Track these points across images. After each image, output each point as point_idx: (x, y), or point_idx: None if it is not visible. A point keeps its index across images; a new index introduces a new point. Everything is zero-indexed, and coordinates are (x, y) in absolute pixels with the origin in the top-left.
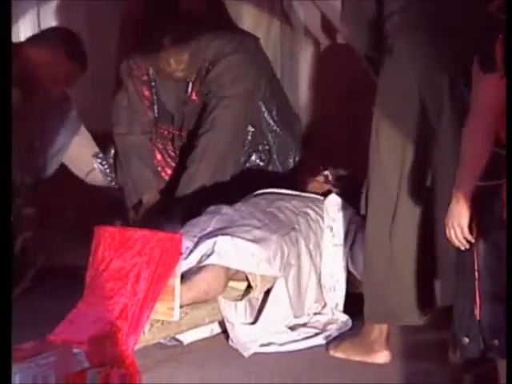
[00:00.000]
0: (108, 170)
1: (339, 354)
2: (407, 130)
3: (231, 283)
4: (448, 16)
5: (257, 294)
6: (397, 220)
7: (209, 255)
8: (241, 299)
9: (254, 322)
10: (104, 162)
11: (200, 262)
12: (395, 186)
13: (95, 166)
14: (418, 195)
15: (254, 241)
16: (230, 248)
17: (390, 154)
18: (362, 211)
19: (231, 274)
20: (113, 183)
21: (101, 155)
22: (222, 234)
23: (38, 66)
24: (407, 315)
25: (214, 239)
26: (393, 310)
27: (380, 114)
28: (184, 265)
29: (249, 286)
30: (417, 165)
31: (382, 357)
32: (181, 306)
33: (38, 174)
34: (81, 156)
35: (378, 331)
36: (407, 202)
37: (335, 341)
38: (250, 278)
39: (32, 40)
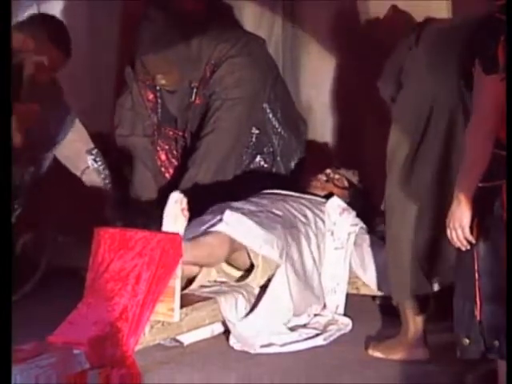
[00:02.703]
0: (102, 168)
1: (378, 354)
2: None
3: (230, 270)
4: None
5: (258, 277)
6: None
7: (216, 223)
8: (242, 281)
9: (252, 310)
10: (98, 159)
11: (206, 229)
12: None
13: (89, 163)
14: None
15: (259, 224)
16: (237, 221)
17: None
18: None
19: (234, 249)
20: (106, 181)
21: (94, 151)
22: (231, 209)
23: (21, 53)
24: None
25: (221, 214)
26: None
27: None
28: (189, 233)
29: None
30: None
31: (421, 354)
32: (181, 307)
33: (37, 168)
34: (76, 152)
35: (414, 329)
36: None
37: (374, 341)
38: (251, 255)
39: (16, 27)
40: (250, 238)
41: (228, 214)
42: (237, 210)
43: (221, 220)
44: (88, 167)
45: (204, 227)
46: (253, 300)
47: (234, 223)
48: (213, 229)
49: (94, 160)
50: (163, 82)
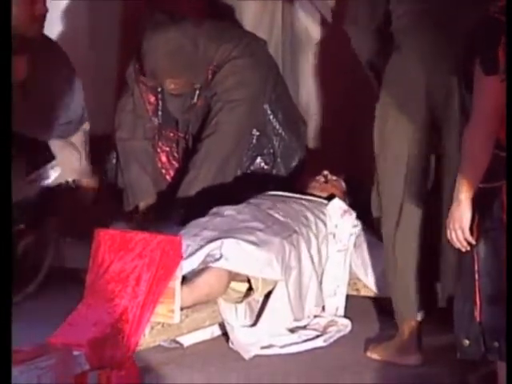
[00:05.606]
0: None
1: (376, 356)
2: (413, 124)
3: (231, 284)
4: (455, 18)
5: (257, 297)
6: (400, 224)
7: (216, 259)
8: (241, 301)
9: (253, 325)
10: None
11: (204, 262)
12: (401, 190)
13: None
14: (422, 198)
15: (257, 244)
16: (236, 252)
17: (395, 152)
18: (374, 214)
19: (233, 276)
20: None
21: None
22: (227, 237)
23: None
24: (407, 313)
25: (219, 241)
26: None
27: (385, 106)
28: (186, 265)
29: (250, 289)
30: (421, 167)
31: (413, 359)
32: (181, 309)
33: (41, 178)
34: None
35: (408, 333)
36: (411, 206)
37: (373, 343)
38: (252, 281)
39: None
40: (249, 266)
41: (226, 245)
42: (233, 224)
43: (221, 256)
44: None
45: (201, 259)
46: (253, 303)
47: (234, 255)
48: (212, 265)
49: None
50: (172, 86)
